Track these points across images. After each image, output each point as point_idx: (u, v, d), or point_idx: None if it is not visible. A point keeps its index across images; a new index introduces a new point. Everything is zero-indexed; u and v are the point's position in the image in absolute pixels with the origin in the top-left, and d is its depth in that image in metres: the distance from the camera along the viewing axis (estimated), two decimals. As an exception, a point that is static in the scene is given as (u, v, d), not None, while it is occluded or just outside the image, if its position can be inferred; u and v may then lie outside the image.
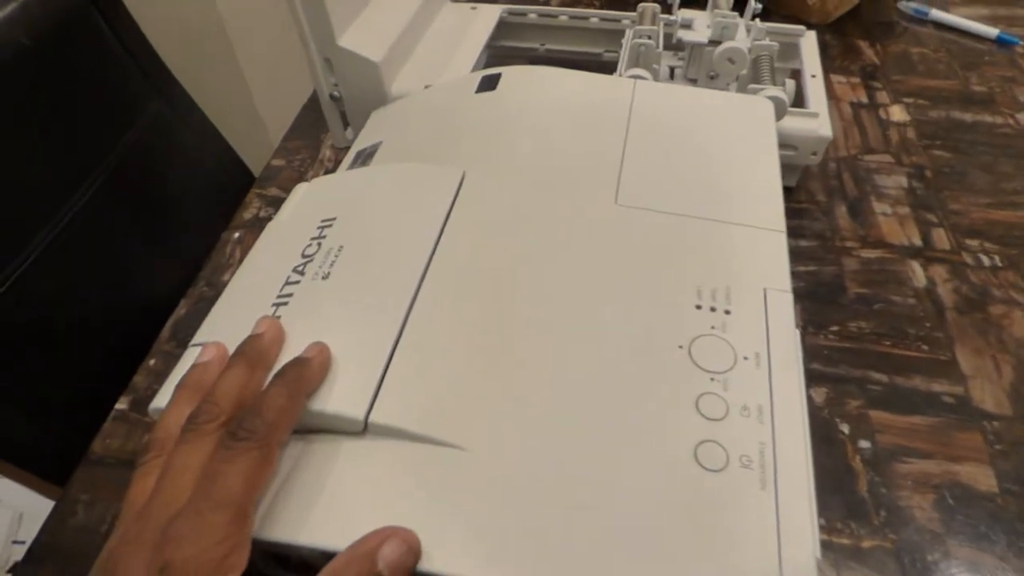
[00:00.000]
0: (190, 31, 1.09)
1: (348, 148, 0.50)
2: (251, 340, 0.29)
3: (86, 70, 0.59)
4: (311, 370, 0.28)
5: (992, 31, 0.69)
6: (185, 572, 0.22)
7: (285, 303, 0.32)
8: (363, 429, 0.28)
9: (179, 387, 0.29)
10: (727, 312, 0.32)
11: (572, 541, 0.25)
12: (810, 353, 0.43)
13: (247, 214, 0.57)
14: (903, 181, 0.55)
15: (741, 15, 0.54)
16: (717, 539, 0.25)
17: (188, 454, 0.25)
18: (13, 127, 0.53)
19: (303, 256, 0.34)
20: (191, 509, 0.23)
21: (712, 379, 0.29)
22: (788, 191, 0.54)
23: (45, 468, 0.57)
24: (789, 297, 0.32)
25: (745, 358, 0.30)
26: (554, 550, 0.25)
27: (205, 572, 0.22)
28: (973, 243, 0.50)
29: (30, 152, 0.55)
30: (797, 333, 0.31)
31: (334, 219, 0.36)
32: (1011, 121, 0.59)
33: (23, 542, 1.05)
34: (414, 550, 0.24)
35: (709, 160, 0.40)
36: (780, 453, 0.27)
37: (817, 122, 0.50)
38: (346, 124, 0.59)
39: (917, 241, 0.50)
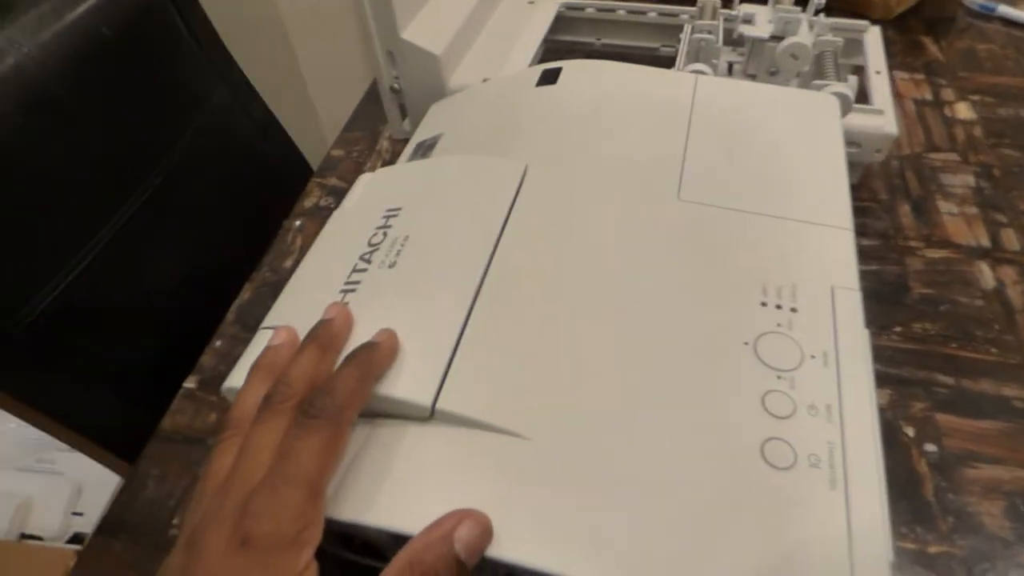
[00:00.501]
0: (247, 21, 1.11)
1: (406, 140, 0.50)
2: (322, 325, 0.30)
3: (159, 59, 0.62)
4: (380, 354, 0.28)
5: (1065, 27, 0.66)
6: (264, 546, 0.23)
7: (353, 290, 0.33)
8: (429, 415, 0.28)
9: (253, 369, 0.30)
10: (793, 310, 0.31)
11: (635, 533, 0.25)
12: (872, 354, 0.42)
13: (308, 203, 0.58)
14: (970, 180, 0.53)
15: (803, 10, 0.53)
16: (785, 537, 0.25)
17: (264, 433, 0.26)
18: (92, 114, 0.55)
19: (370, 245, 0.35)
20: (267, 485, 0.24)
21: (779, 377, 0.29)
22: (850, 189, 0.53)
23: (107, 439, 0.59)
24: (857, 296, 0.32)
25: (812, 356, 0.29)
26: (616, 541, 0.25)
27: (282, 546, 0.23)
28: (1044, 244, 0.48)
29: (107, 138, 0.57)
30: (867, 333, 0.30)
31: (399, 209, 0.36)
32: (1085, 120, 0.57)
33: (81, 514, 1.09)
34: (488, 531, 0.24)
35: (773, 156, 0.39)
36: (850, 453, 0.27)
37: (882, 119, 0.49)
38: (404, 115, 0.59)
39: (985, 241, 0.49)
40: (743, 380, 0.29)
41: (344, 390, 0.27)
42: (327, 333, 0.30)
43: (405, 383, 0.28)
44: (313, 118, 1.28)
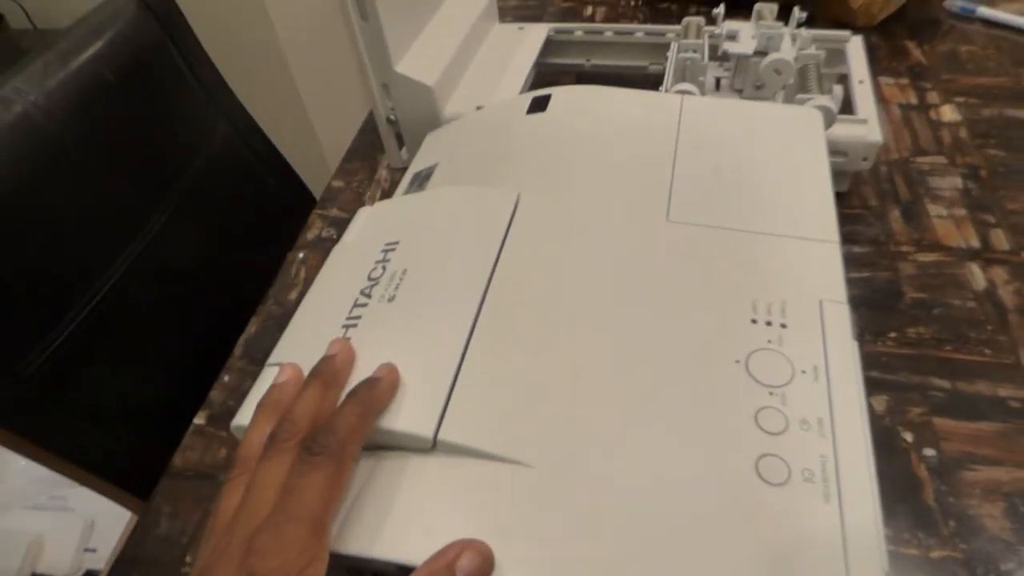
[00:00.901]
0: (250, 57, 1.14)
1: (404, 169, 0.52)
2: (325, 362, 0.31)
3: (162, 99, 0.63)
4: (380, 390, 0.29)
5: (1044, 26, 0.67)
6: None
7: (355, 325, 0.34)
8: (432, 446, 0.29)
9: (259, 407, 0.31)
10: (783, 325, 0.32)
11: (636, 556, 0.25)
12: (868, 361, 0.43)
13: (310, 235, 0.59)
14: (957, 182, 0.54)
15: (786, 24, 0.54)
16: (782, 553, 0.25)
17: (269, 471, 0.27)
18: (98, 157, 0.56)
19: (369, 279, 0.36)
20: (272, 523, 0.25)
21: (771, 393, 0.30)
22: (840, 197, 0.54)
23: (117, 475, 0.60)
24: (846, 308, 0.33)
25: (803, 372, 0.30)
26: (618, 564, 0.25)
27: None
28: (1034, 243, 0.49)
29: (114, 179, 0.58)
30: (855, 344, 0.31)
31: (397, 243, 0.37)
32: (1069, 117, 0.58)
33: (94, 550, 1.09)
34: (489, 561, 0.25)
35: (759, 173, 0.40)
36: (842, 466, 0.27)
37: (866, 128, 0.50)
38: (401, 144, 0.61)
39: (975, 243, 0.49)
40: (736, 399, 0.30)
41: (346, 427, 0.27)
42: (329, 370, 0.31)
43: (407, 416, 0.29)
44: (315, 146, 1.31)
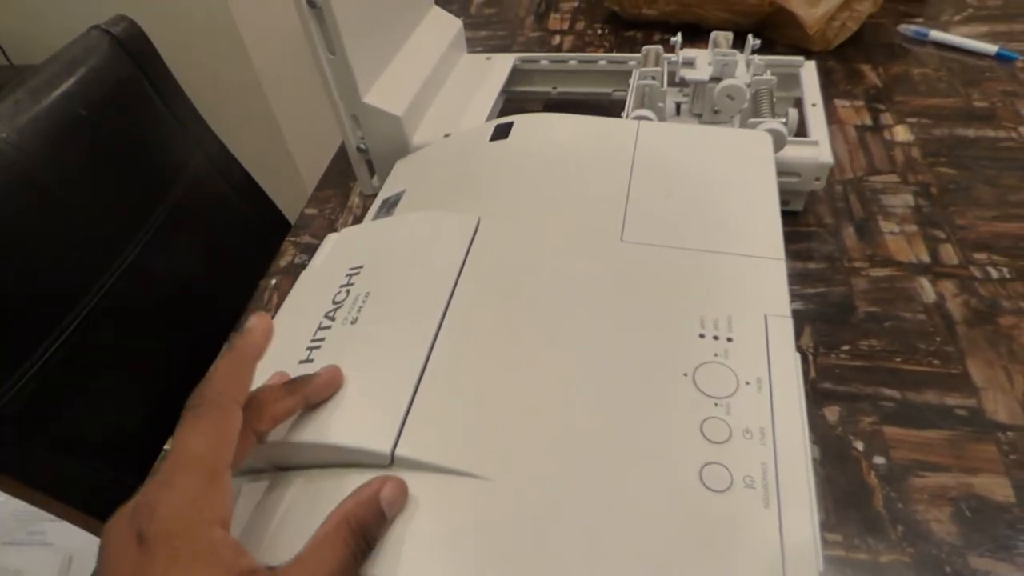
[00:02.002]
0: (229, 90, 1.16)
1: (375, 195, 0.53)
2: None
3: (137, 134, 0.65)
4: (252, 337, 0.31)
5: (991, 48, 0.70)
6: (159, 535, 0.24)
7: (318, 347, 0.35)
8: (390, 462, 0.30)
9: None
10: (729, 339, 0.33)
11: (589, 564, 0.26)
12: (822, 373, 0.45)
13: (283, 261, 0.60)
14: (909, 199, 0.56)
15: (742, 51, 0.57)
16: (724, 557, 0.26)
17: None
18: (72, 191, 0.57)
19: (334, 303, 0.37)
20: (159, 477, 0.25)
21: (716, 404, 0.31)
22: (796, 215, 0.56)
23: (97, 508, 0.60)
24: (789, 322, 0.34)
25: (747, 383, 0.32)
26: (572, 574, 0.26)
27: (181, 531, 0.24)
28: (981, 256, 0.51)
29: (88, 213, 0.59)
30: (797, 356, 0.33)
31: (361, 267, 0.39)
32: (1014, 135, 0.61)
33: (72, 584, 1.08)
34: (404, 491, 0.28)
35: (710, 194, 0.42)
36: (782, 472, 0.28)
37: (817, 150, 0.52)
38: (372, 172, 0.62)
39: (925, 258, 0.51)
40: (683, 410, 0.31)
41: (219, 376, 0.28)
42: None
43: (364, 432, 0.30)
44: (295, 172, 1.32)
